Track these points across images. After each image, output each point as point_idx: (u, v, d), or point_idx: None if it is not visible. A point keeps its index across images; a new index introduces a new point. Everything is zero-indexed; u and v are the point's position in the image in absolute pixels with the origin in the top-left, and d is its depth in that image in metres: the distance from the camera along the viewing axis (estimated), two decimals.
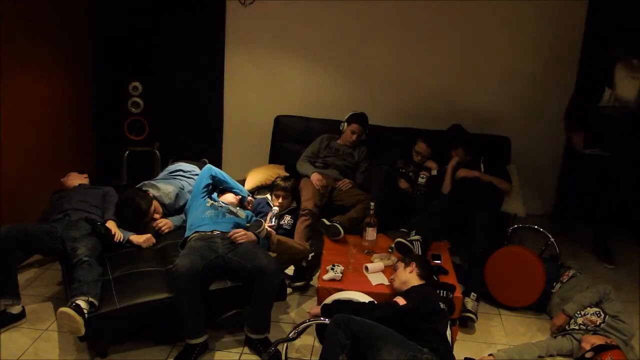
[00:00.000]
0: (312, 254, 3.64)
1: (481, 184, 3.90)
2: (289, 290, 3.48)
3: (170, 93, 4.97)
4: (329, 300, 2.75)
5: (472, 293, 3.32)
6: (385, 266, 3.17)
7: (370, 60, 4.82)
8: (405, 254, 3.18)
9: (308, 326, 2.68)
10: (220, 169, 3.69)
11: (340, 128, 4.35)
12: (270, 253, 3.13)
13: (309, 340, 3.01)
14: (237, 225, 3.25)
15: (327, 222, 3.60)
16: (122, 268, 3.04)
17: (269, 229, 3.27)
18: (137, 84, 4.61)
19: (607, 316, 2.95)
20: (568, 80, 4.66)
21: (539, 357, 2.90)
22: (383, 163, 4.20)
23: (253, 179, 4.21)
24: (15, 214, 3.63)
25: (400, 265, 2.90)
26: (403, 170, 4.26)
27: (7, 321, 3.01)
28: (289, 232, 3.65)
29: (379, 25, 4.72)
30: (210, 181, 3.54)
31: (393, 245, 3.39)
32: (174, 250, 3.15)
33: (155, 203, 3.46)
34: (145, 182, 3.69)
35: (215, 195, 3.58)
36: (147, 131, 4.69)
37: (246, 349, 2.95)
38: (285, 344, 2.75)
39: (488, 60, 4.73)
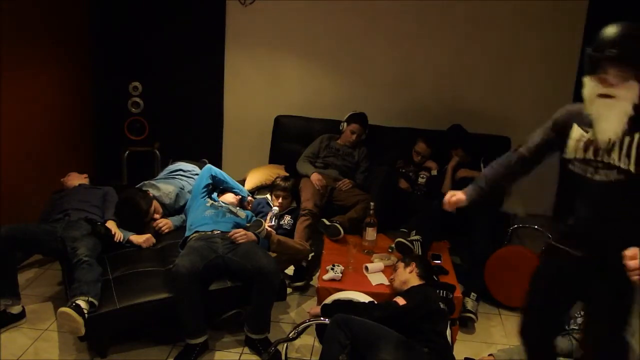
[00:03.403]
0: (312, 254, 3.64)
1: None
2: (289, 290, 3.48)
3: (170, 93, 4.97)
4: (329, 300, 2.75)
5: (472, 293, 3.32)
6: (385, 266, 3.17)
7: (371, 60, 4.82)
8: (405, 254, 3.18)
9: (308, 326, 2.68)
10: (220, 169, 3.70)
11: (340, 128, 4.35)
12: (270, 253, 3.13)
13: (309, 340, 3.01)
14: (237, 225, 3.25)
15: (327, 222, 3.60)
16: (122, 268, 3.04)
17: (269, 229, 3.27)
18: (137, 84, 4.61)
19: None
20: (568, 80, 4.66)
21: None
22: (383, 163, 4.20)
23: (253, 179, 4.21)
24: (15, 214, 3.63)
25: (400, 265, 2.90)
26: (403, 170, 4.26)
27: (7, 321, 3.00)
28: (289, 232, 3.65)
29: (379, 25, 4.72)
30: (210, 181, 3.54)
31: (393, 245, 3.39)
32: (174, 250, 3.15)
33: (155, 203, 3.46)
34: (145, 182, 3.69)
35: (215, 195, 3.58)
36: (147, 131, 4.69)
37: (246, 349, 2.96)
38: (285, 344, 2.75)
39: (488, 60, 4.73)
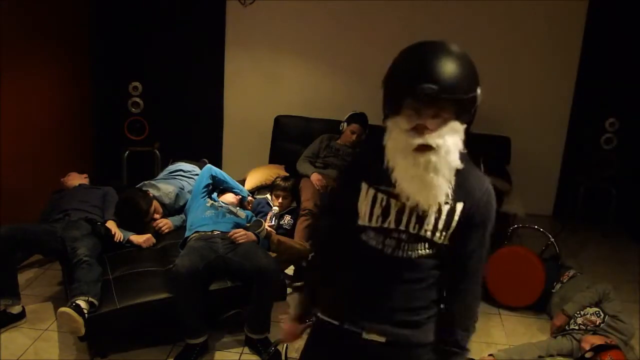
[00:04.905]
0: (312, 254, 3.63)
1: None
2: (289, 290, 3.48)
3: (170, 93, 4.97)
4: None
5: None
6: None
7: (370, 60, 4.81)
8: None
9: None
10: (220, 169, 3.69)
11: (340, 128, 4.34)
12: (270, 253, 3.13)
13: None
14: (237, 225, 3.25)
15: None
16: (122, 268, 3.03)
17: (269, 229, 3.27)
18: (137, 84, 4.62)
19: (607, 316, 2.95)
20: (568, 80, 4.66)
21: (539, 357, 2.90)
22: None
23: (253, 179, 4.21)
24: (15, 214, 3.63)
25: None
26: None
27: (7, 321, 3.00)
28: (289, 232, 3.65)
29: (379, 25, 4.72)
30: (210, 181, 3.54)
31: None
32: (174, 250, 3.15)
33: (155, 203, 3.46)
34: (145, 182, 3.69)
35: (215, 195, 3.58)
36: (147, 131, 4.69)
37: (246, 349, 2.95)
38: (285, 344, 2.75)
39: (488, 60, 4.71)
